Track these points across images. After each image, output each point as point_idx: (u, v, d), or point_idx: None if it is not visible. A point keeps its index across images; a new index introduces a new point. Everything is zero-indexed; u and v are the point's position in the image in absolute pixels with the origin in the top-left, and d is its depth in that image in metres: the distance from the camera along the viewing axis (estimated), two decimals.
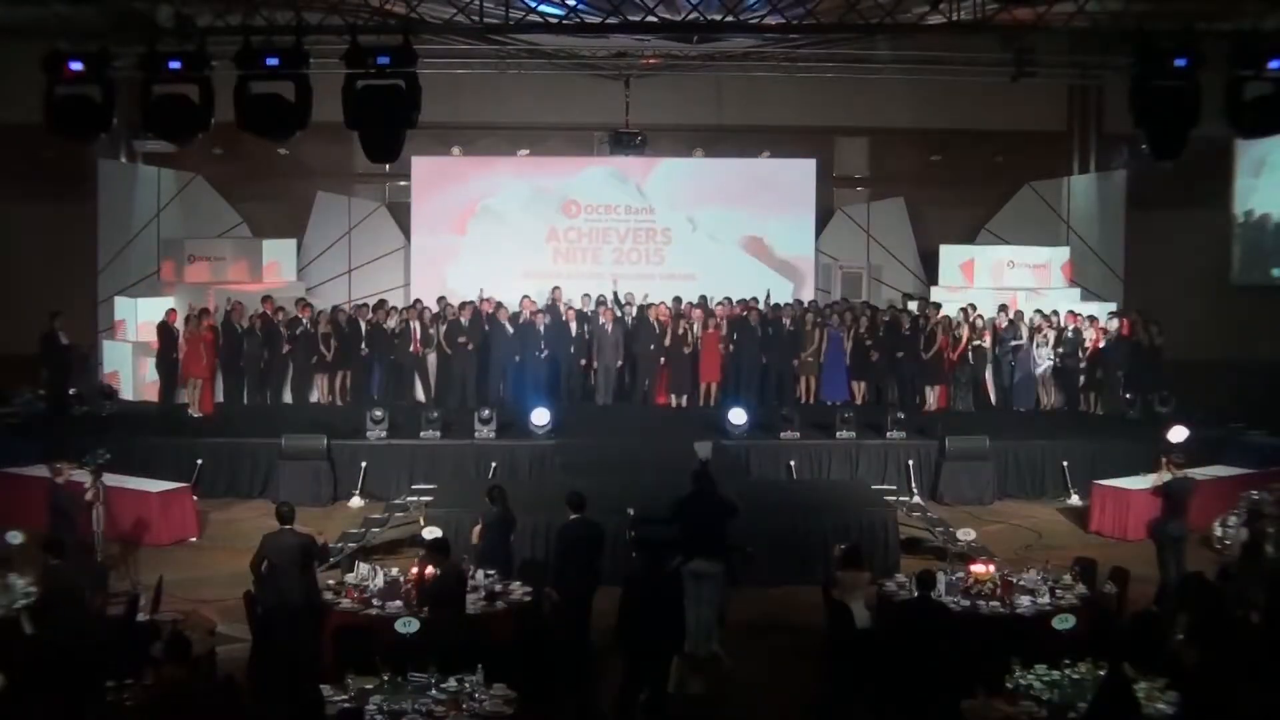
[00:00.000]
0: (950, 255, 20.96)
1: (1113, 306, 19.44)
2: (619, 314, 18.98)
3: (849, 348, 18.66)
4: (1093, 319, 18.58)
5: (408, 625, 9.30)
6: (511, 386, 18.24)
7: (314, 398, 18.50)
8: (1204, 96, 10.88)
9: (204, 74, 10.79)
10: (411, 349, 18.38)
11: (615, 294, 19.46)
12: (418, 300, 19.61)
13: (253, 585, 10.14)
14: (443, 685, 8.37)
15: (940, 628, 9.20)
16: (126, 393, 18.72)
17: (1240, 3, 12.58)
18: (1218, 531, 14.16)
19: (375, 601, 10.14)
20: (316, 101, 10.76)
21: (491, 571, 10.74)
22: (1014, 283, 20.30)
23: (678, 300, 19.64)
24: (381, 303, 19.27)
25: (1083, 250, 21.01)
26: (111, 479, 13.02)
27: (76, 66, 10.77)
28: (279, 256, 20.59)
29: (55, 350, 17.73)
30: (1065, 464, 16.57)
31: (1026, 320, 18.72)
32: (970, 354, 18.51)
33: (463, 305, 18.96)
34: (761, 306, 19.13)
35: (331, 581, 10.87)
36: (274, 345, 18.42)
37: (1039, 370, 18.49)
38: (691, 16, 13.85)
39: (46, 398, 17.77)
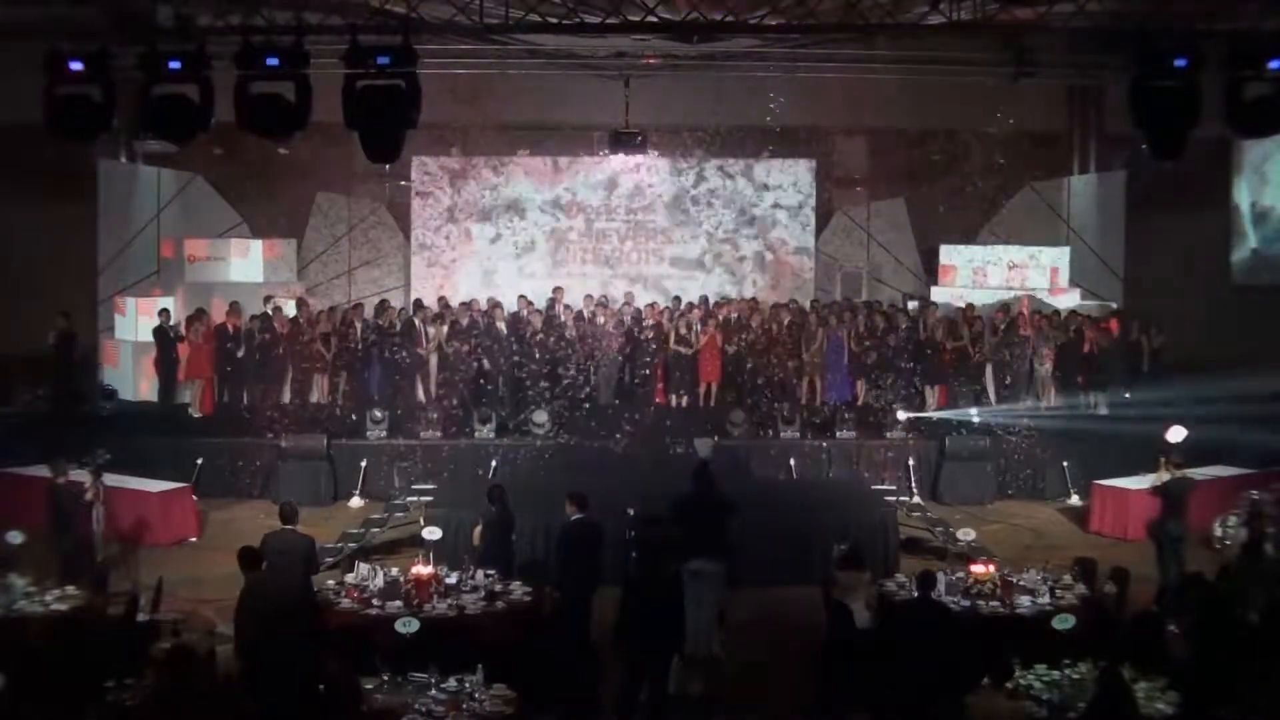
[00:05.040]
0: (949, 256, 20.96)
1: (1113, 306, 19.43)
2: (618, 314, 19.02)
3: (849, 348, 18.65)
4: (1093, 319, 18.58)
5: (408, 625, 9.30)
6: (510, 386, 18.21)
7: (314, 398, 18.50)
8: (1204, 96, 10.88)
9: (204, 74, 10.79)
10: (415, 349, 18.35)
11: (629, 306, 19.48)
12: (419, 300, 19.61)
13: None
14: (443, 685, 8.38)
15: (940, 628, 9.20)
16: (126, 393, 18.72)
17: (1240, 3, 12.56)
18: (1218, 531, 14.17)
19: (375, 601, 10.15)
20: (316, 101, 10.76)
21: (491, 571, 10.76)
22: (1013, 283, 20.29)
23: (677, 300, 19.65)
24: (382, 303, 19.26)
25: (1083, 250, 21.00)
26: (111, 479, 13.00)
27: (76, 66, 10.77)
28: (279, 256, 20.59)
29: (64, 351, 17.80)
30: (1065, 464, 16.58)
31: (1026, 320, 18.70)
32: (970, 353, 18.49)
33: (462, 305, 18.98)
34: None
35: (331, 582, 10.89)
36: (272, 346, 18.39)
37: (1039, 370, 18.48)
38: (691, 16, 13.86)
39: (53, 399, 17.76)
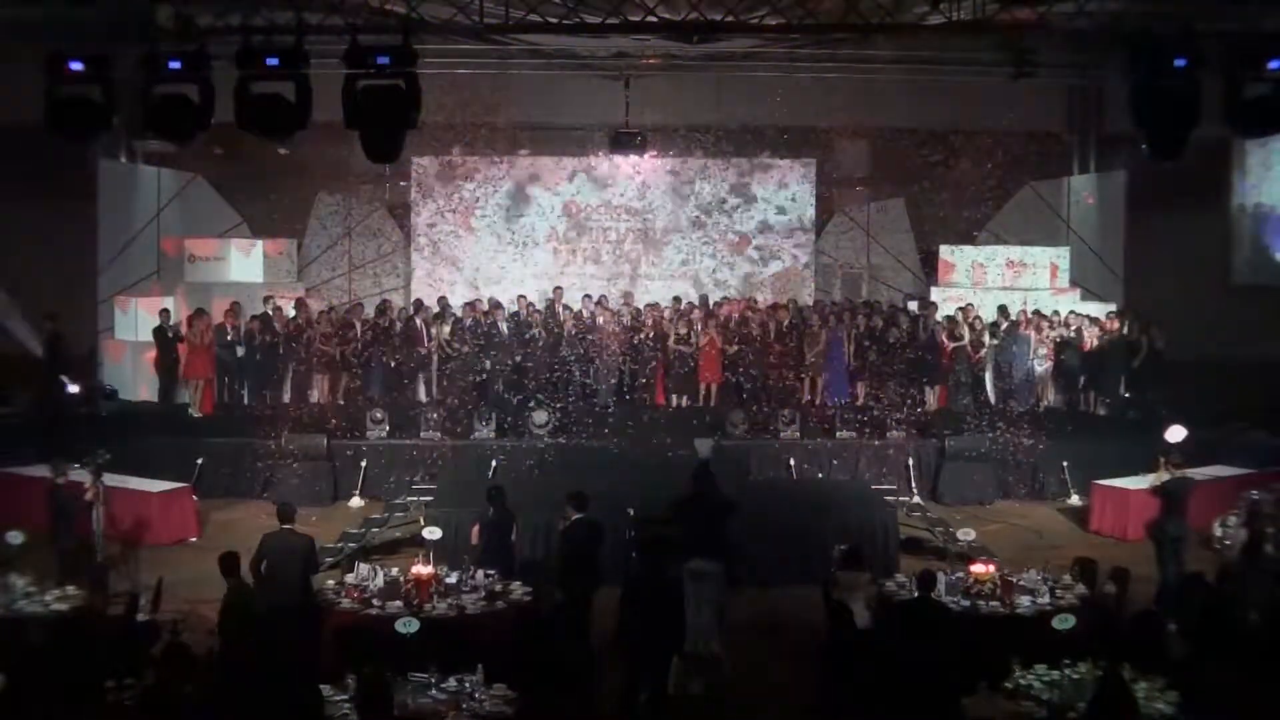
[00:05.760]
0: (949, 256, 20.96)
1: (1113, 307, 19.43)
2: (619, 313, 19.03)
3: (849, 348, 18.64)
4: (1093, 319, 18.58)
5: (408, 625, 9.30)
6: (510, 386, 18.20)
7: (314, 398, 18.50)
8: (1204, 96, 10.88)
9: (204, 74, 10.78)
10: (415, 349, 18.35)
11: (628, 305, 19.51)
12: (419, 300, 19.61)
13: (253, 585, 10.13)
14: (443, 685, 8.38)
15: (940, 628, 9.20)
16: (128, 393, 18.72)
17: (1240, 3, 12.56)
18: (1218, 531, 14.16)
19: (375, 601, 10.16)
20: (316, 101, 10.76)
21: (491, 571, 10.76)
22: (1013, 283, 20.28)
23: (677, 300, 19.66)
24: (383, 303, 19.28)
25: (1083, 250, 21.00)
26: (111, 479, 12.98)
27: (76, 66, 10.76)
28: (279, 256, 20.60)
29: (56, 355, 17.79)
30: (1065, 464, 16.57)
31: (1026, 320, 18.70)
32: (970, 353, 18.49)
33: (466, 306, 18.99)
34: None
35: (331, 582, 10.88)
36: (272, 346, 18.39)
37: (1039, 370, 18.49)
38: (691, 16, 13.86)
39: (46, 399, 17.74)
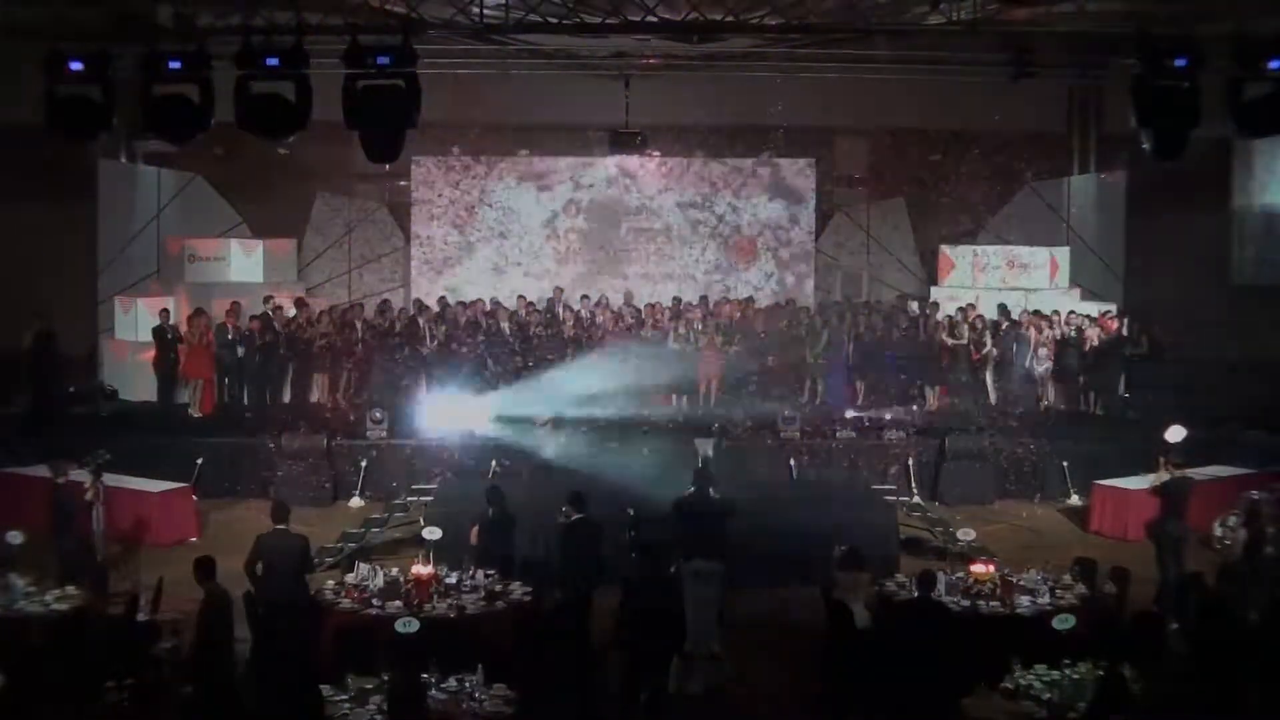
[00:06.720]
0: (949, 255, 20.97)
1: (1113, 307, 19.44)
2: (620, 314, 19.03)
3: (849, 348, 18.63)
4: (1093, 319, 18.58)
5: (408, 625, 9.30)
6: (510, 387, 18.18)
7: (314, 398, 18.49)
8: (1204, 96, 10.88)
9: (204, 74, 10.79)
10: (417, 349, 18.34)
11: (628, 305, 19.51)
12: (419, 300, 19.61)
13: (250, 586, 10.13)
14: (443, 685, 8.38)
15: (940, 628, 9.20)
16: (126, 393, 18.72)
17: (1240, 3, 12.58)
18: (1218, 531, 14.15)
19: (375, 601, 10.16)
20: (316, 101, 10.76)
21: (491, 571, 10.76)
22: (1012, 282, 20.28)
23: (677, 300, 19.65)
24: (384, 302, 19.27)
25: (1083, 250, 21.00)
26: (111, 479, 12.99)
27: (76, 66, 10.77)
28: (280, 256, 20.59)
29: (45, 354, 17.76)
30: (1065, 464, 16.57)
31: (1027, 320, 18.69)
32: (970, 353, 18.48)
33: (460, 304, 18.98)
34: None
35: (331, 582, 10.88)
36: (272, 346, 18.39)
37: (1039, 370, 18.48)
38: (691, 16, 13.87)
39: (37, 399, 17.72)
